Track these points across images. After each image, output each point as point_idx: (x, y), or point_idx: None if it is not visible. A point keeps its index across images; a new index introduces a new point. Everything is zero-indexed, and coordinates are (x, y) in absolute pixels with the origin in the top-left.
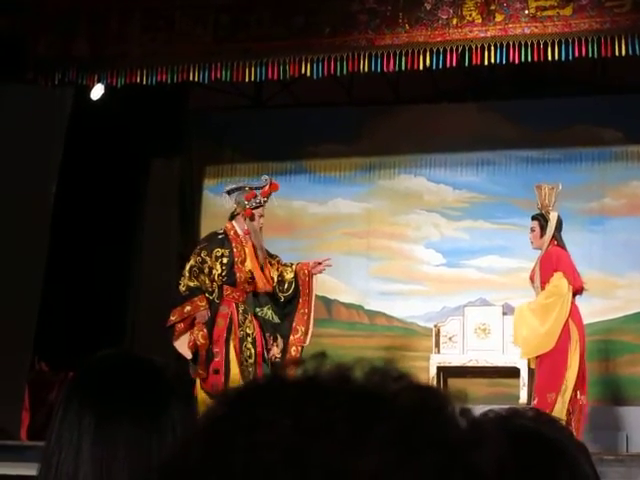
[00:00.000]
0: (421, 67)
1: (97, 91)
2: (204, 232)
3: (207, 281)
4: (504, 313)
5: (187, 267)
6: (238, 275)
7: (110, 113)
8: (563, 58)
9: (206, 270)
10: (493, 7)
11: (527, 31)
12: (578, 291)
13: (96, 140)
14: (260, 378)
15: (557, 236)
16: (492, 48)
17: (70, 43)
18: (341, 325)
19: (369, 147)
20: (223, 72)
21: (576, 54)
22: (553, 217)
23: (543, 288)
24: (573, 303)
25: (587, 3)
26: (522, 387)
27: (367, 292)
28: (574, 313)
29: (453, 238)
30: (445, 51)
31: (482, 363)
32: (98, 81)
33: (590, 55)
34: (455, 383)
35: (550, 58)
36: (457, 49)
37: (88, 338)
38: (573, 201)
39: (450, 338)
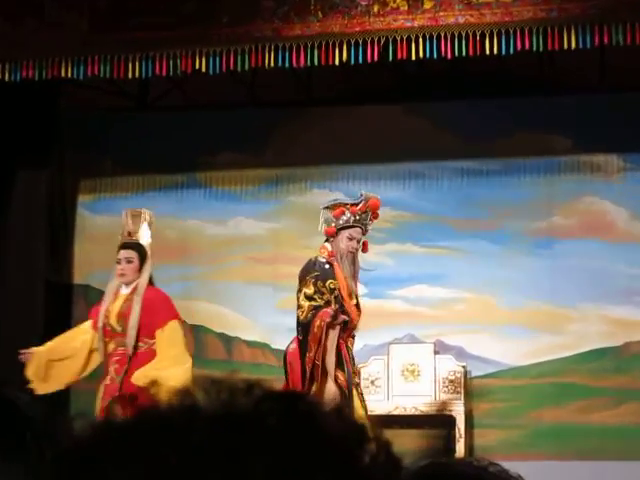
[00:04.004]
0: (337, 62)
1: None
2: (79, 256)
3: None
4: (436, 352)
5: (304, 295)
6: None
7: None
8: (503, 52)
9: (323, 304)
10: None
11: (461, 20)
12: None
13: None
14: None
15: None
16: (420, 40)
17: None
18: (243, 367)
19: (276, 157)
20: (101, 67)
21: (518, 47)
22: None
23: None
24: None
25: None
26: (459, 439)
27: (274, 328)
28: None
29: (376, 264)
30: (365, 43)
31: (411, 411)
32: None
33: (534, 48)
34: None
35: (488, 52)
36: (379, 41)
37: None
38: (516, 220)
39: (372, 382)
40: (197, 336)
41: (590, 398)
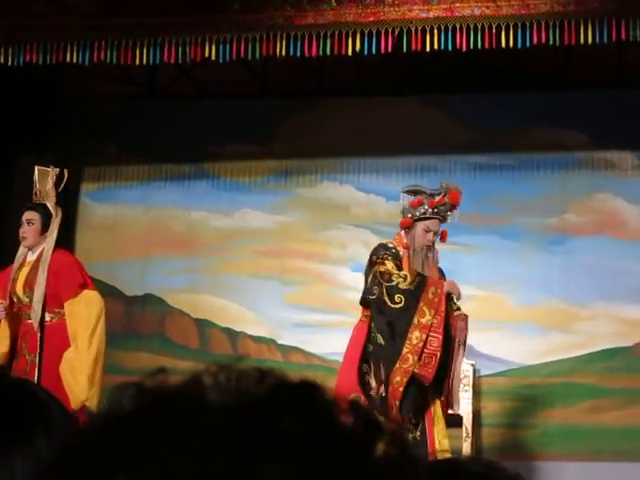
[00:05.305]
0: (350, 52)
1: None
2: (80, 247)
3: None
4: None
5: (387, 268)
6: None
7: None
8: (519, 45)
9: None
10: None
11: (477, 12)
12: None
13: None
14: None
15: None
16: (435, 31)
17: None
18: (248, 363)
19: (286, 148)
20: (108, 52)
21: (534, 41)
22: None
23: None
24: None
25: None
26: (465, 439)
27: (280, 323)
28: None
29: None
30: (379, 33)
31: None
32: None
33: (551, 43)
34: None
35: (504, 45)
36: (393, 31)
37: None
38: (529, 216)
39: None
40: (201, 330)
41: (600, 398)
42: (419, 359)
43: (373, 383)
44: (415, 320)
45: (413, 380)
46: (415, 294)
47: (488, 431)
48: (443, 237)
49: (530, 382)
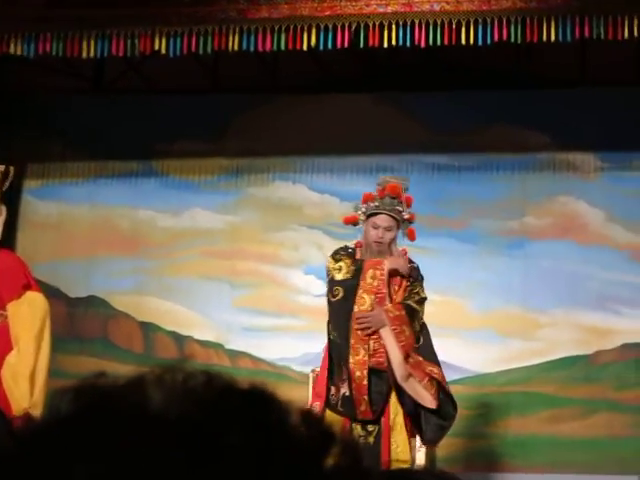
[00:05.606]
0: (305, 47)
1: None
2: (22, 246)
3: None
4: None
5: (327, 266)
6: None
7: None
8: (480, 42)
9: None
10: None
11: (437, 7)
12: None
13: None
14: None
15: None
16: (393, 27)
17: None
18: (195, 366)
19: (237, 146)
20: (54, 44)
21: (496, 38)
22: None
23: None
24: None
25: None
26: (419, 449)
27: (229, 327)
28: None
29: None
30: (335, 28)
31: None
32: None
33: (513, 40)
34: None
35: (464, 42)
36: (350, 26)
37: None
38: (488, 218)
39: None
40: (146, 334)
41: (559, 408)
42: (369, 349)
43: (333, 389)
44: (356, 309)
45: (375, 372)
46: (352, 283)
47: (443, 441)
48: (410, 235)
49: (487, 391)
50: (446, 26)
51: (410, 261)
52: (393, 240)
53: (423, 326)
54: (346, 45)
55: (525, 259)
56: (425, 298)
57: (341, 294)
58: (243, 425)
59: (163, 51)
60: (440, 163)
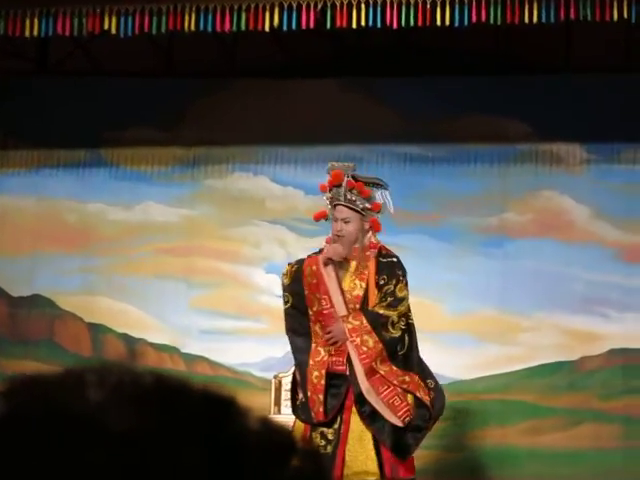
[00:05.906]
0: (267, 28)
1: None
2: None
3: None
4: None
5: None
6: None
7: None
8: (456, 24)
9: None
10: None
11: None
12: None
13: None
14: None
15: None
16: (363, 6)
17: None
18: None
19: (193, 134)
20: None
21: (473, 19)
22: None
23: None
24: None
25: None
26: None
27: (185, 330)
28: None
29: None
30: (300, 8)
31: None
32: None
33: (492, 21)
34: None
35: (439, 23)
36: (316, 5)
37: None
38: (464, 215)
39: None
40: (95, 336)
41: (540, 418)
42: (329, 350)
43: (300, 394)
44: (310, 312)
45: (334, 375)
46: (296, 286)
47: (417, 452)
48: (375, 227)
49: (463, 398)
50: (420, 6)
51: (387, 255)
52: (360, 233)
53: (409, 328)
54: (312, 26)
55: (504, 259)
56: (403, 298)
57: (290, 300)
58: (193, 439)
59: (113, 31)
60: (412, 154)
